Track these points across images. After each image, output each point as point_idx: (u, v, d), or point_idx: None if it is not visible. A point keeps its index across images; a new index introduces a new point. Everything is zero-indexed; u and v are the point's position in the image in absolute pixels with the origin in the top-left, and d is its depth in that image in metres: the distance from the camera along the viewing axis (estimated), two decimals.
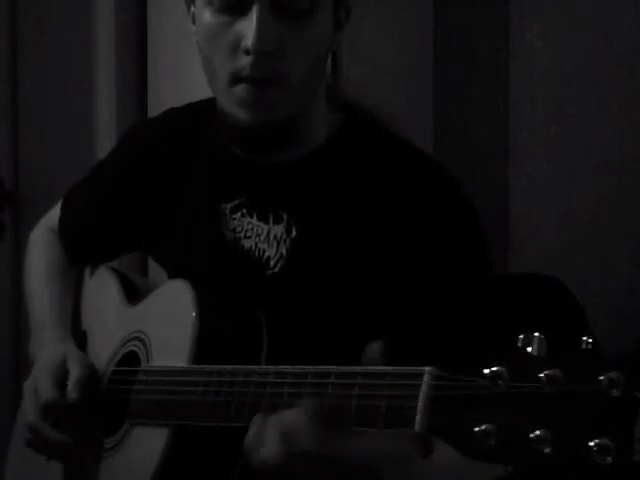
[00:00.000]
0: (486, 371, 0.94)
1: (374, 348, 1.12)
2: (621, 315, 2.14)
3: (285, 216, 1.40)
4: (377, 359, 1.11)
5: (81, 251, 1.68)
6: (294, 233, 1.39)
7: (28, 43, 2.89)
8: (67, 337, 1.57)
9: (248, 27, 1.30)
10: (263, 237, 1.41)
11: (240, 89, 1.33)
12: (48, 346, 1.54)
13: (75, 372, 1.45)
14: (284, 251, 1.39)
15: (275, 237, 1.40)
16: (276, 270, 1.39)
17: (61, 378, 1.46)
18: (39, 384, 1.46)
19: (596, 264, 2.19)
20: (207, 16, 1.34)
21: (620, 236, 2.17)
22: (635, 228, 2.15)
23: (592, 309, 1.60)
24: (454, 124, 2.34)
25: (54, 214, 1.72)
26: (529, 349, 0.93)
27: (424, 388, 1.01)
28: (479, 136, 2.34)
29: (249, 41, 1.30)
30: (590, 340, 0.91)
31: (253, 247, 1.42)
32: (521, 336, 0.93)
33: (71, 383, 1.44)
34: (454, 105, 2.34)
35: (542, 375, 0.90)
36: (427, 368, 1.02)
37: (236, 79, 1.33)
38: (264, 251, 1.41)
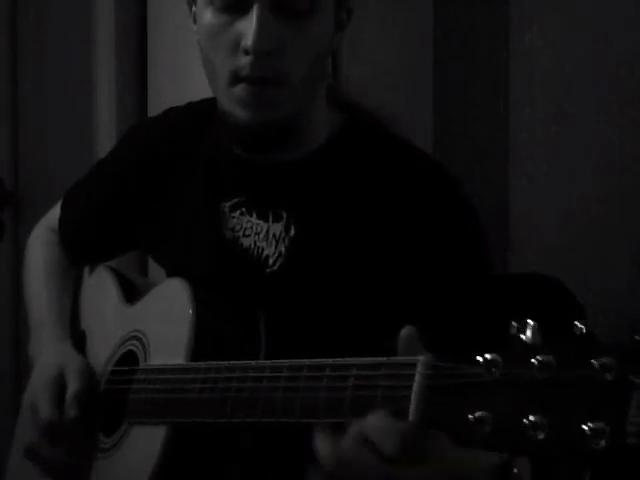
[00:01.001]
0: (480, 359, 0.94)
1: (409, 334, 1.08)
2: (621, 315, 2.14)
3: (284, 215, 1.40)
4: (413, 346, 1.09)
5: (81, 250, 1.68)
6: (293, 232, 1.39)
7: (28, 43, 2.90)
8: (65, 337, 1.57)
9: (248, 27, 1.30)
10: (262, 235, 1.41)
11: (240, 89, 1.33)
12: (47, 346, 1.54)
13: (72, 387, 1.45)
14: (283, 249, 1.39)
15: (274, 236, 1.40)
16: (275, 269, 1.39)
17: (59, 394, 1.45)
18: (38, 402, 1.45)
19: (596, 264, 2.19)
20: (208, 15, 1.34)
21: (620, 236, 2.17)
22: (635, 228, 2.15)
23: (592, 309, 1.61)
24: (454, 124, 2.34)
25: (54, 214, 1.72)
26: (522, 336, 0.93)
27: (418, 378, 1.01)
28: (479, 136, 2.34)
29: (249, 40, 1.29)
30: (582, 325, 0.91)
31: (252, 246, 1.42)
32: (514, 323, 0.94)
33: (69, 400, 1.43)
34: (454, 105, 2.34)
35: (535, 361, 0.90)
36: (420, 357, 1.02)
37: (236, 78, 1.33)
38: (263, 249, 1.41)
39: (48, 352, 1.53)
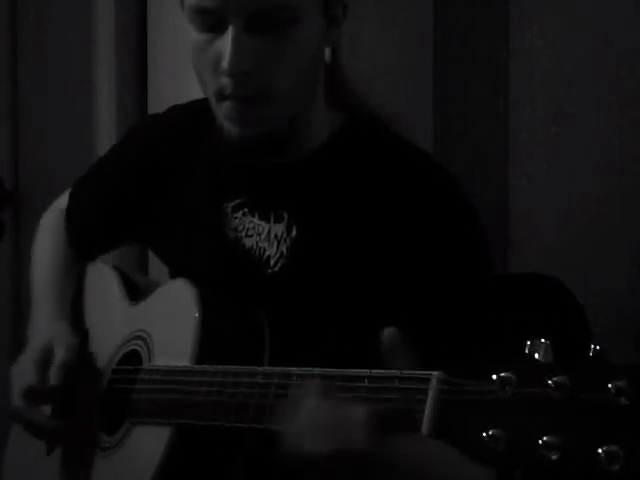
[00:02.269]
0: (494, 377, 0.94)
1: (390, 336, 1.09)
2: (621, 315, 2.14)
3: (286, 215, 1.40)
4: (394, 346, 1.08)
5: (84, 247, 1.69)
6: (294, 232, 1.39)
7: (28, 43, 2.90)
8: (61, 317, 1.57)
9: (225, 47, 1.29)
10: (264, 236, 1.41)
11: (225, 106, 1.33)
12: (40, 325, 1.55)
13: (59, 357, 1.46)
14: (284, 250, 1.39)
15: (275, 236, 1.40)
16: (276, 269, 1.39)
17: (46, 362, 1.46)
18: (24, 368, 1.46)
19: (596, 264, 2.19)
20: (193, 33, 1.34)
21: (620, 236, 2.17)
22: (635, 228, 2.15)
23: (592, 309, 1.61)
24: (454, 124, 2.34)
25: (65, 200, 1.72)
26: (536, 355, 0.93)
27: (432, 393, 1.01)
28: (479, 136, 2.34)
29: (225, 62, 1.29)
30: (598, 347, 0.91)
31: (254, 246, 1.42)
32: (528, 342, 0.94)
33: (54, 368, 1.45)
34: (454, 105, 2.34)
35: (550, 382, 0.90)
36: (435, 373, 1.01)
37: (221, 96, 1.33)
38: (264, 250, 1.41)
39: (40, 331, 1.53)
